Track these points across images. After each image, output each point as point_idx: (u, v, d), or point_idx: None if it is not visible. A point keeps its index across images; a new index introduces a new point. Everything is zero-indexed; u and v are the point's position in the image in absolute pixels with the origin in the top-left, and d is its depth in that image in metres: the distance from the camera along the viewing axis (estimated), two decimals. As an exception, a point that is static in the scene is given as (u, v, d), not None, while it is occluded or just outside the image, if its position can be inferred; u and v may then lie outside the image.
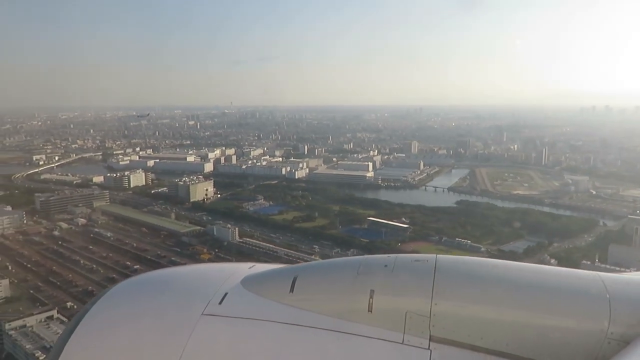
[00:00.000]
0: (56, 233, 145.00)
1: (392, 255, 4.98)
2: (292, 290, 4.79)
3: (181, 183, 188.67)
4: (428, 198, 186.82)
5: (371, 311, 4.41)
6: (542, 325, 4.18)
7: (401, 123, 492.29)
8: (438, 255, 4.87)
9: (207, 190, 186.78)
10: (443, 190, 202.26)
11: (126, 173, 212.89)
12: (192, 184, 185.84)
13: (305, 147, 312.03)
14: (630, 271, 6.92)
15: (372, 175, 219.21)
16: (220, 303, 4.86)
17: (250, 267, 5.69)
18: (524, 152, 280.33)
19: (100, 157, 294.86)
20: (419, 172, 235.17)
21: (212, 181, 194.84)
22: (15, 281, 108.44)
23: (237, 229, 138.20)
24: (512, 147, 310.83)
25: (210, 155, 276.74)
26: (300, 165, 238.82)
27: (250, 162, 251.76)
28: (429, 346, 4.22)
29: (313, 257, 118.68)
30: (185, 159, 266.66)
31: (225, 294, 4.99)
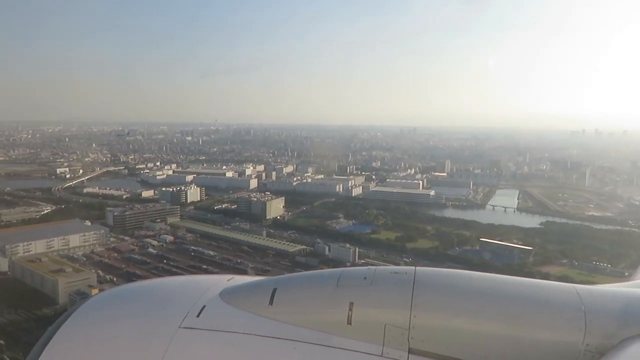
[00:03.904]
0: (152, 251, 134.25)
1: (372, 268, 4.95)
2: (271, 302, 4.75)
3: (254, 199, 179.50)
4: (506, 218, 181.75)
5: (350, 323, 4.43)
6: (520, 337, 4.25)
7: (401, 142, 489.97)
8: (417, 268, 4.86)
9: (282, 207, 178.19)
10: (514, 211, 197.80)
11: (183, 188, 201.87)
12: (267, 200, 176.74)
13: (336, 164, 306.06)
14: (605, 283, 6.38)
15: (434, 193, 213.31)
16: (198, 316, 4.78)
17: (228, 280, 5.55)
18: (563, 173, 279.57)
19: (126, 171, 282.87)
20: (471, 191, 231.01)
21: (283, 198, 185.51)
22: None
23: (356, 249, 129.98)
24: (542, 167, 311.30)
25: (247, 172, 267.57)
26: (350, 183, 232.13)
27: (295, 179, 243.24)
28: (407, 358, 4.26)
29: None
30: (224, 174, 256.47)
31: (203, 306, 4.89)
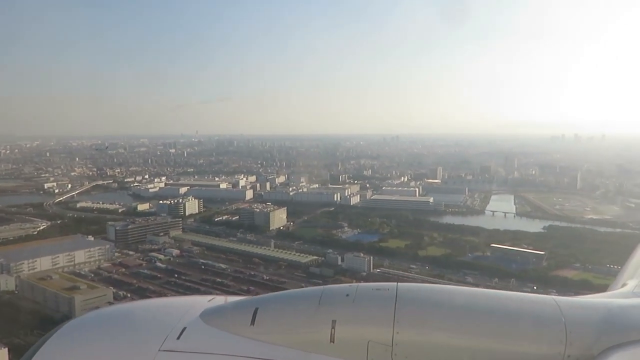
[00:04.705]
0: (160, 265, 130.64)
1: (354, 285, 5.00)
2: (253, 322, 4.72)
3: (256, 210, 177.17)
4: (509, 223, 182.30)
5: (333, 341, 4.43)
6: (502, 349, 4.31)
7: (386, 150, 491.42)
8: (399, 284, 4.88)
9: (284, 217, 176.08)
10: (514, 216, 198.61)
11: (181, 200, 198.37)
12: (270, 211, 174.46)
13: (328, 173, 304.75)
14: (584, 295, 6.41)
15: (433, 200, 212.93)
16: (178, 338, 4.69)
17: (209, 300, 5.48)
18: (553, 177, 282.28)
19: (115, 185, 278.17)
20: (467, 197, 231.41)
21: (285, 208, 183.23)
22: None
23: (371, 258, 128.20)
24: (532, 172, 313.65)
25: (241, 183, 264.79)
26: (347, 192, 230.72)
27: (292, 189, 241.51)
28: None
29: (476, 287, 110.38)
30: (218, 186, 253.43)
31: (184, 328, 4.80)
